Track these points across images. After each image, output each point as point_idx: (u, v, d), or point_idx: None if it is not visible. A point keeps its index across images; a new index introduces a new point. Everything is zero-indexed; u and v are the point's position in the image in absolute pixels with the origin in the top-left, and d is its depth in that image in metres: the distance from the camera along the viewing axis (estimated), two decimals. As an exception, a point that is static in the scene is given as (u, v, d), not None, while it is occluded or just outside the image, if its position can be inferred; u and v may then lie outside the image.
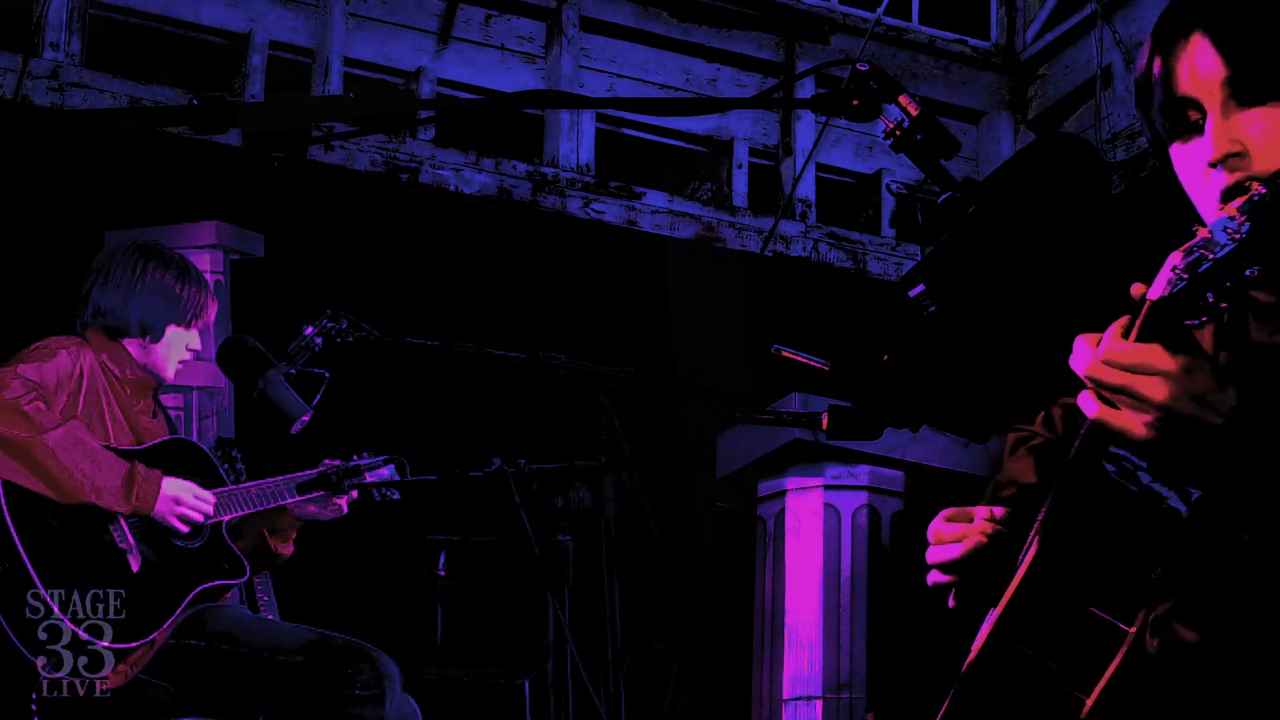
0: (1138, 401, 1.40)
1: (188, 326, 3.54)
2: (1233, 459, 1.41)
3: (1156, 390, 1.39)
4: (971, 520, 1.76)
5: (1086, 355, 1.43)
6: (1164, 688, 1.54)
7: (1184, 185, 1.65)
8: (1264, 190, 1.35)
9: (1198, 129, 1.59)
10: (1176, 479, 1.45)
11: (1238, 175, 1.53)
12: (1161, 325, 1.39)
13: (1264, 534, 1.46)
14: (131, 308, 3.45)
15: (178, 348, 3.53)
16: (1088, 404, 1.45)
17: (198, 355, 3.66)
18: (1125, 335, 1.41)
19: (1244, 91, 1.55)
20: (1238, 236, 1.34)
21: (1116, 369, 1.40)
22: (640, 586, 4.68)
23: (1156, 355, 1.39)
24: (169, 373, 3.53)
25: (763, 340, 4.07)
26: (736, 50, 6.51)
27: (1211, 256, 1.35)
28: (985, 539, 1.73)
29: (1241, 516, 1.46)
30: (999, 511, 1.75)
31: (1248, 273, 1.35)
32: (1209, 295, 1.36)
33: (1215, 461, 1.42)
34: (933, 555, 1.77)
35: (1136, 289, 1.42)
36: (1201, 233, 1.37)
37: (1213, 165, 1.56)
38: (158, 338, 3.48)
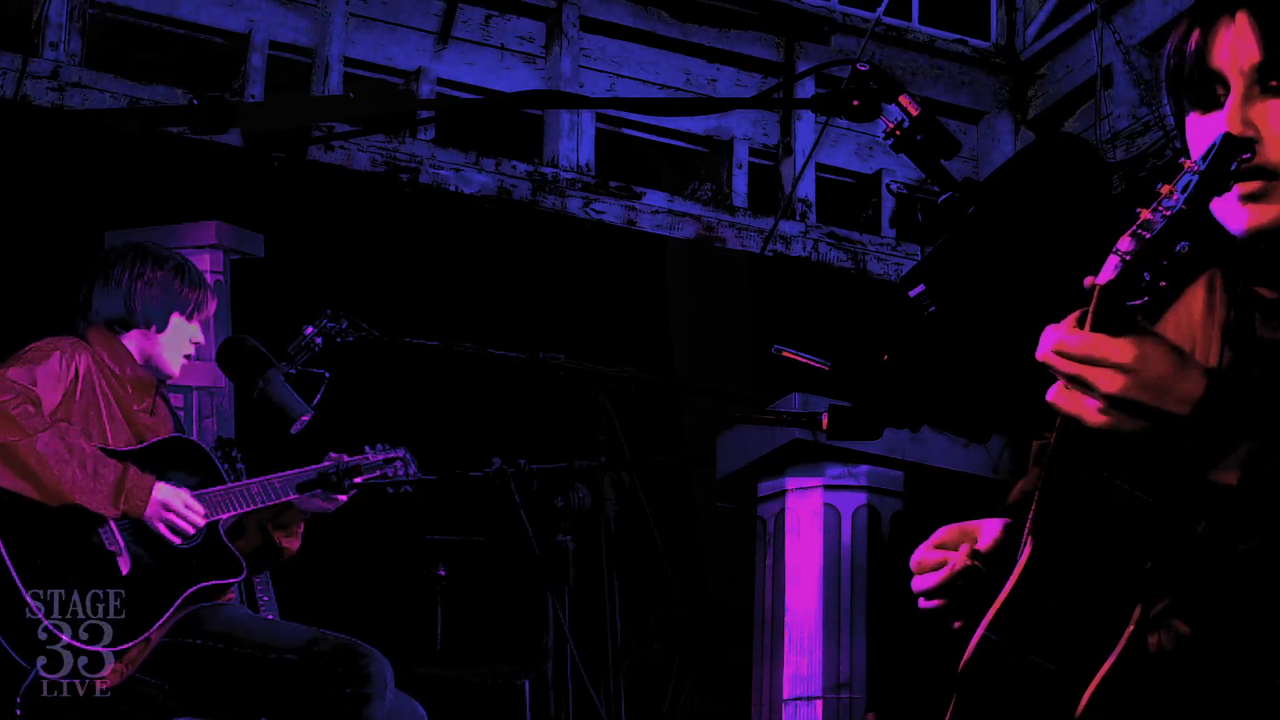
0: (1088, 390, 1.41)
1: (189, 318, 3.55)
2: (1199, 449, 1.41)
3: (1107, 381, 1.39)
4: (957, 548, 1.77)
5: (1044, 344, 1.43)
6: (1162, 684, 1.54)
7: (1194, 157, 1.66)
8: (1200, 168, 1.37)
9: (1219, 105, 1.60)
10: (1140, 471, 1.45)
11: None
12: (1112, 310, 1.40)
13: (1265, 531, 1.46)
14: (135, 300, 3.46)
15: (181, 339, 3.53)
16: (1050, 391, 1.46)
17: (199, 350, 3.67)
18: (1080, 324, 1.41)
19: (1272, 80, 1.56)
20: (1168, 214, 1.36)
21: (1067, 359, 1.41)
22: (640, 586, 4.67)
23: (1107, 346, 1.39)
24: (173, 367, 3.53)
25: (763, 340, 4.07)
26: (736, 50, 6.50)
27: (1148, 235, 1.37)
28: (966, 563, 1.74)
29: (1243, 517, 1.46)
30: (986, 542, 1.76)
31: (1178, 248, 1.36)
32: (1145, 274, 1.37)
33: (1179, 450, 1.42)
34: (915, 584, 1.79)
35: (1088, 281, 1.42)
36: (1144, 214, 1.39)
37: None
38: (163, 327, 3.50)
